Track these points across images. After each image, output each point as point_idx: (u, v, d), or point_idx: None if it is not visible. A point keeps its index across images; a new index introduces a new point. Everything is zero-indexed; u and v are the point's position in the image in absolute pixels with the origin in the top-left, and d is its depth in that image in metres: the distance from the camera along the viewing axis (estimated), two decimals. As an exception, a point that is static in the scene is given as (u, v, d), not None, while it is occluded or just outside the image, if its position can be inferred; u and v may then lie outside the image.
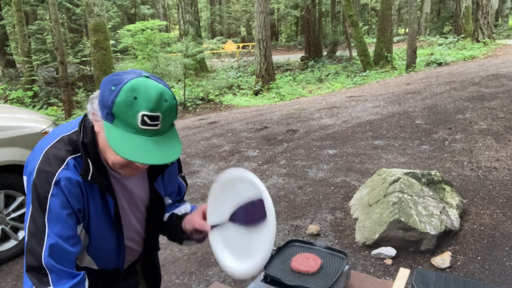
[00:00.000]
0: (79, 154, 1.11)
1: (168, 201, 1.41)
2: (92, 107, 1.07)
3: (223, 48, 23.42)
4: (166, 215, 1.42)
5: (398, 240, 2.98)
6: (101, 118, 1.03)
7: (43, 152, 1.11)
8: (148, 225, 1.35)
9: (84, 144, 1.11)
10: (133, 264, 1.42)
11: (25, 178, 1.14)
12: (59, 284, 1.07)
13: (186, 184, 1.50)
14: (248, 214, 1.18)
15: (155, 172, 1.27)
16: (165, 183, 1.36)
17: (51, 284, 1.06)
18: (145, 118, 0.98)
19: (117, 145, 0.99)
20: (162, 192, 1.33)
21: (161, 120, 1.01)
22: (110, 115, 1.00)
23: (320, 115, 7.09)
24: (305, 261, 1.48)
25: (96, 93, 1.08)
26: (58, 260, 1.07)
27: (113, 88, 1.00)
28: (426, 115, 6.22)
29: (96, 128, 1.09)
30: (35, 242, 1.07)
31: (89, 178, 1.09)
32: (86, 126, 1.13)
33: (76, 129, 1.15)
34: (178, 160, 1.40)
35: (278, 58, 19.62)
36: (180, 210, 1.41)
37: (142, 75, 1.03)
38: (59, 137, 1.14)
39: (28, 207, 1.10)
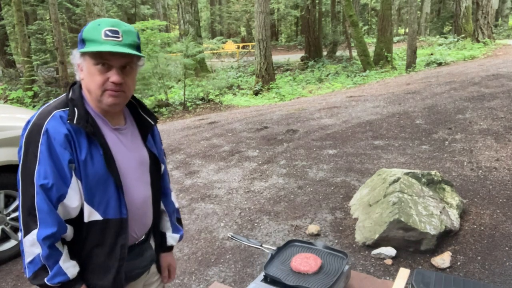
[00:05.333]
0: (67, 108, 1.26)
1: (163, 167, 1.55)
2: (73, 59, 1.29)
3: (223, 48, 23.43)
4: (164, 226, 1.59)
5: (398, 240, 2.98)
6: (78, 53, 1.25)
7: (36, 113, 1.26)
8: (154, 190, 1.47)
9: (72, 99, 1.28)
10: (147, 238, 1.49)
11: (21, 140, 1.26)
12: (43, 227, 1.17)
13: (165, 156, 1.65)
14: None
15: (144, 132, 1.45)
16: (157, 148, 1.51)
17: (37, 226, 1.18)
18: (107, 31, 1.21)
19: (87, 49, 1.21)
20: (156, 153, 1.48)
21: (121, 35, 1.23)
22: (82, 42, 1.24)
23: (320, 115, 7.09)
24: (305, 261, 1.48)
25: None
26: (47, 204, 1.18)
27: (83, 29, 1.27)
28: (426, 115, 6.22)
29: (81, 76, 1.28)
30: (29, 186, 1.19)
31: (74, 121, 1.22)
32: (74, 88, 1.32)
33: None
34: (158, 134, 1.59)
35: (278, 58, 19.61)
36: (169, 240, 1.59)
37: None
38: (52, 101, 1.32)
39: (20, 161, 1.22)
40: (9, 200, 3.27)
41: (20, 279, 3.03)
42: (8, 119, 3.56)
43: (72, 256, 1.26)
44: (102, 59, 1.21)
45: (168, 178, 1.61)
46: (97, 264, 1.30)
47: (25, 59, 13.31)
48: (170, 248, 1.62)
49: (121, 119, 1.38)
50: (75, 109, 1.24)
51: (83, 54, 1.23)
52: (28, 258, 1.20)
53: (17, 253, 3.28)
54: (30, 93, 12.66)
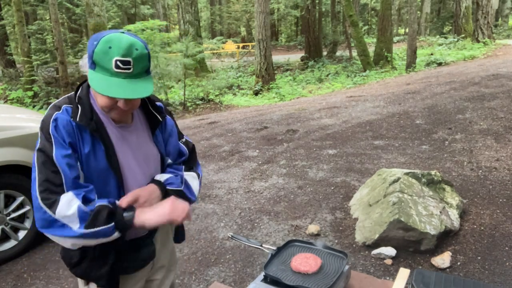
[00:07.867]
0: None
1: (169, 160, 1.56)
2: (83, 63, 1.31)
3: (223, 48, 23.44)
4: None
5: (398, 240, 2.98)
6: (88, 68, 1.25)
7: (49, 107, 1.34)
8: None
9: (79, 97, 1.33)
10: (150, 235, 1.49)
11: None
12: (74, 190, 1.23)
13: (190, 145, 1.65)
14: None
15: (153, 128, 1.48)
16: (165, 143, 1.54)
17: (65, 190, 1.23)
18: (118, 62, 1.20)
19: (97, 85, 1.22)
20: (162, 148, 1.51)
21: (133, 65, 1.22)
22: (93, 63, 1.23)
23: (320, 115, 7.09)
24: (305, 261, 1.48)
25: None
26: (70, 175, 1.24)
27: (94, 42, 1.22)
28: (426, 115, 6.22)
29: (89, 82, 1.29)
30: (50, 167, 1.23)
31: (77, 119, 1.27)
32: (83, 86, 1.36)
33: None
34: (178, 129, 1.61)
35: (278, 58, 19.61)
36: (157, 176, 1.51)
37: (118, 31, 1.26)
38: (62, 98, 1.38)
39: (35, 154, 1.28)
40: (9, 200, 3.26)
41: (20, 279, 3.02)
42: (8, 119, 3.55)
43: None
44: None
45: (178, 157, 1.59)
46: (94, 254, 1.36)
47: (25, 59, 13.30)
48: (154, 181, 1.45)
49: (128, 117, 1.42)
50: (79, 107, 1.30)
51: None
52: (69, 219, 1.22)
53: (17, 253, 3.28)
54: (30, 93, 12.65)
